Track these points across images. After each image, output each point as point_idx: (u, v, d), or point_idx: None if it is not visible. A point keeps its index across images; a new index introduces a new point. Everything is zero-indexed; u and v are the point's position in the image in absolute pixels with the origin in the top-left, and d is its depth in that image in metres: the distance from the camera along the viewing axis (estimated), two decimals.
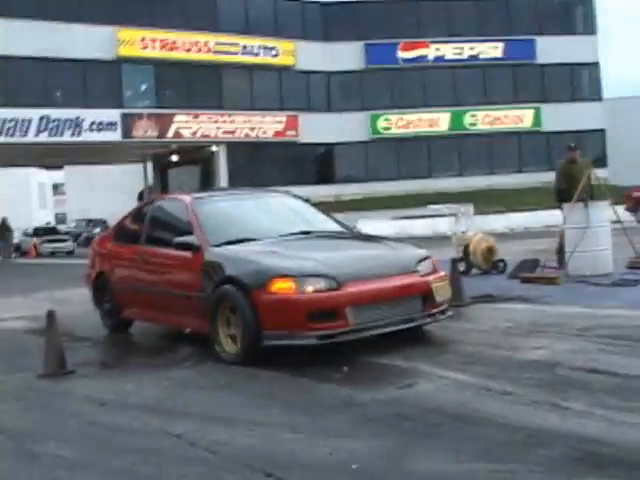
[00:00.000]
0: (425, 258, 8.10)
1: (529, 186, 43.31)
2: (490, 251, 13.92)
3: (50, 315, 7.68)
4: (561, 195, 13.35)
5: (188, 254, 8.20)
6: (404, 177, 46.28)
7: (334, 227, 9.17)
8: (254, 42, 45.71)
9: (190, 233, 8.33)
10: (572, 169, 13.37)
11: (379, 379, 6.54)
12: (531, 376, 6.29)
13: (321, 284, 7.18)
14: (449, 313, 8.12)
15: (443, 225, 23.99)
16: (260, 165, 44.10)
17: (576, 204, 12.40)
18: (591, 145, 47.97)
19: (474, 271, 13.77)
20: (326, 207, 27.82)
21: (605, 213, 12.58)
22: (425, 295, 7.66)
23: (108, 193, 57.00)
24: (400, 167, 47.42)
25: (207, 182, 43.67)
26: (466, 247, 14.04)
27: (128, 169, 53.89)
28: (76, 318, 10.90)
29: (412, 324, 7.63)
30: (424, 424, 5.27)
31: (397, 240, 10.29)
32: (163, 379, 7.19)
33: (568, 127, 48.16)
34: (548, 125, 49.49)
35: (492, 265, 13.78)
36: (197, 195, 9.54)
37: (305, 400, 6.12)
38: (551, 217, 19.17)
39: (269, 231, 8.47)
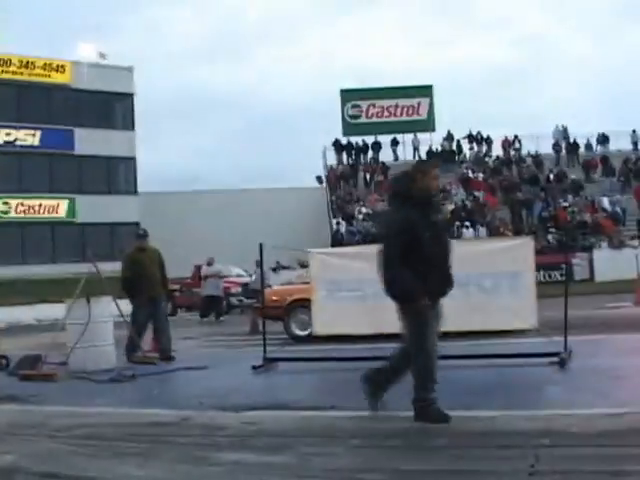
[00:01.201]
0: None
1: (62, 277, 42.82)
2: None
3: None
4: (127, 284, 13.27)
5: None
6: None
7: None
8: None
9: None
10: (141, 257, 13.40)
11: None
12: None
13: None
14: None
15: None
16: None
17: (78, 299, 12.42)
18: (127, 238, 48.87)
19: None
20: None
21: (107, 308, 12.70)
22: None
23: None
24: None
25: None
26: None
27: None
28: None
29: None
30: None
31: None
32: None
33: (104, 219, 48.84)
34: (83, 217, 49.58)
35: None
36: None
37: None
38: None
39: None
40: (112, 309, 12.87)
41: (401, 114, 50.03)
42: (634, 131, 46.89)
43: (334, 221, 41.57)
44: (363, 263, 11.79)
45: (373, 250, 7.29)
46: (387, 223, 7.38)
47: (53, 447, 7.23)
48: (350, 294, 11.86)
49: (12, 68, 50.01)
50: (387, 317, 11.37)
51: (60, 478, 6.15)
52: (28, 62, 50.59)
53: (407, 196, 7.22)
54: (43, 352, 13.09)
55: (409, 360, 7.29)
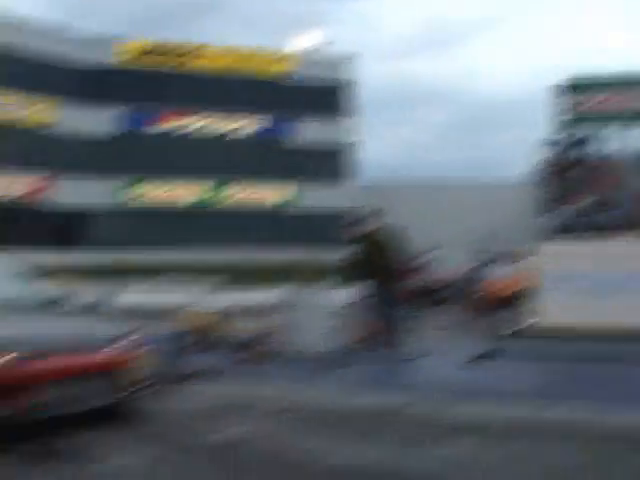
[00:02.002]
0: (127, 333, 7.84)
1: (279, 263, 43.94)
2: (214, 327, 13.85)
3: None
4: (356, 271, 12.66)
5: None
6: (155, 246, 45.46)
7: (34, 295, 8.72)
8: (7, 99, 44.26)
9: None
10: (369, 241, 12.68)
11: (49, 459, 6.20)
12: (210, 458, 6.21)
13: (2, 359, 6.76)
14: (151, 391, 7.91)
15: (184, 299, 23.80)
16: (6, 227, 42.27)
17: (295, 285, 12.58)
18: (350, 224, 49.54)
19: (197, 347, 13.55)
20: (72, 273, 26.97)
21: (325, 294, 12.81)
22: (121, 372, 7.39)
23: None
24: (150, 237, 46.71)
25: None
26: (192, 322, 13.91)
27: None
28: None
29: (104, 402, 7.30)
30: None
31: (107, 312, 10.03)
32: None
33: (324, 205, 49.71)
34: (305, 203, 50.72)
35: (215, 341, 13.67)
36: None
37: None
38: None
39: None
40: (332, 295, 12.98)
41: (631, 104, 47.02)
42: None
43: (548, 215, 40.31)
44: (598, 257, 11.34)
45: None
46: None
47: (273, 425, 7.37)
48: (581, 286, 11.38)
49: (236, 60, 51.79)
50: (622, 311, 10.85)
51: (279, 455, 6.25)
52: (251, 54, 52.25)
53: None
54: (262, 335, 13.42)
55: None
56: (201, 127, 50.80)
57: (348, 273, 13.07)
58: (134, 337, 7.90)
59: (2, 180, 43.93)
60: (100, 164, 47.27)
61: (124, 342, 7.68)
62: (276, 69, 53.29)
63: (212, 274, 31.02)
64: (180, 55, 51.41)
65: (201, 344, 13.58)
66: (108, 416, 7.47)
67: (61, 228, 46.34)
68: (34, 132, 45.57)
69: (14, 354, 6.81)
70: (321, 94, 53.33)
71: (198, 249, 46.09)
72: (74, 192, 45.41)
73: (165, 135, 49.78)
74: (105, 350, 7.46)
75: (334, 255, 35.42)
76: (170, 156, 48.78)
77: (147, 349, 8.01)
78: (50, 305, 8.71)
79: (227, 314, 15.11)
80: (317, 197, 50.51)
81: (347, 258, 13.12)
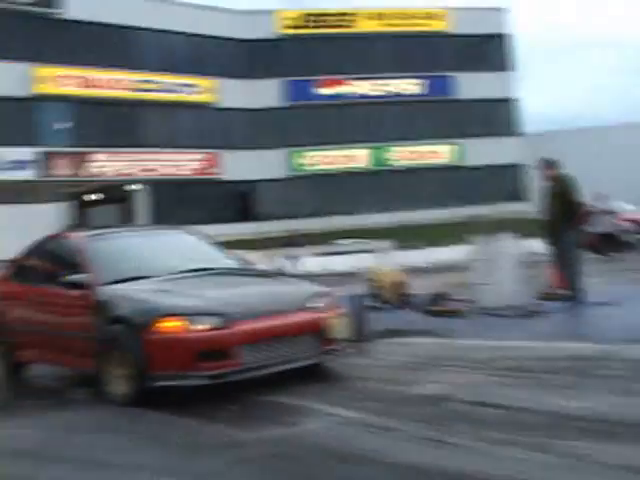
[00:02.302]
0: (322, 294, 7.98)
1: (451, 221, 43.57)
2: (400, 285, 13.87)
3: None
4: (542, 221, 12.57)
5: (79, 293, 7.96)
6: (326, 213, 46.09)
7: (230, 263, 8.99)
8: (174, 79, 45.61)
9: (82, 271, 8.09)
10: (546, 191, 12.49)
11: (266, 418, 6.37)
12: (421, 411, 6.19)
13: (212, 322, 7.01)
14: (348, 350, 8.00)
15: (364, 260, 24.02)
16: (181, 203, 43.79)
17: (486, 236, 12.43)
18: (510, 179, 48.93)
19: (385, 306, 13.65)
20: (247, 244, 27.65)
21: (511, 246, 12.60)
22: (320, 332, 7.51)
23: (26, 233, 55.66)
24: (322, 203, 47.30)
25: (128, 221, 43.14)
26: (377, 282, 13.98)
27: (46, 209, 52.77)
28: None
29: (306, 362, 7.47)
30: (304, 464, 5.13)
31: (296, 276, 10.25)
32: (48, 422, 6.95)
33: (488, 162, 49.07)
34: (469, 160, 50.17)
35: (402, 299, 13.70)
36: (90, 233, 9.36)
37: (188, 441, 5.91)
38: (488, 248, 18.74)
39: (163, 269, 8.25)
40: (517, 247, 12.79)
41: None
42: None
43: None
44: None
45: None
46: None
47: (476, 378, 7.30)
48: None
49: (392, 20, 51.65)
50: None
51: (490, 407, 6.16)
52: (404, 13, 52.04)
53: None
54: (449, 290, 13.36)
55: None
56: (363, 91, 50.81)
57: (537, 224, 12.94)
58: (329, 298, 8.03)
59: (174, 158, 45.32)
60: (266, 136, 47.99)
61: (321, 303, 7.81)
62: (431, 27, 52.68)
63: (387, 236, 31.10)
64: (335, 22, 51.52)
65: (388, 303, 13.66)
66: (309, 376, 7.64)
67: (234, 201, 47.47)
68: (201, 110, 46.73)
69: (220, 319, 7.06)
70: (477, 48, 52.43)
71: (371, 211, 46.22)
72: (243, 165, 46.32)
73: (328, 102, 50.01)
74: (305, 311, 7.61)
75: (507, 208, 34.80)
76: (335, 122, 48.98)
77: (341, 309, 8.10)
78: (243, 271, 8.97)
79: (412, 272, 15.14)
80: (484, 152, 49.70)
81: (536, 209, 12.96)
